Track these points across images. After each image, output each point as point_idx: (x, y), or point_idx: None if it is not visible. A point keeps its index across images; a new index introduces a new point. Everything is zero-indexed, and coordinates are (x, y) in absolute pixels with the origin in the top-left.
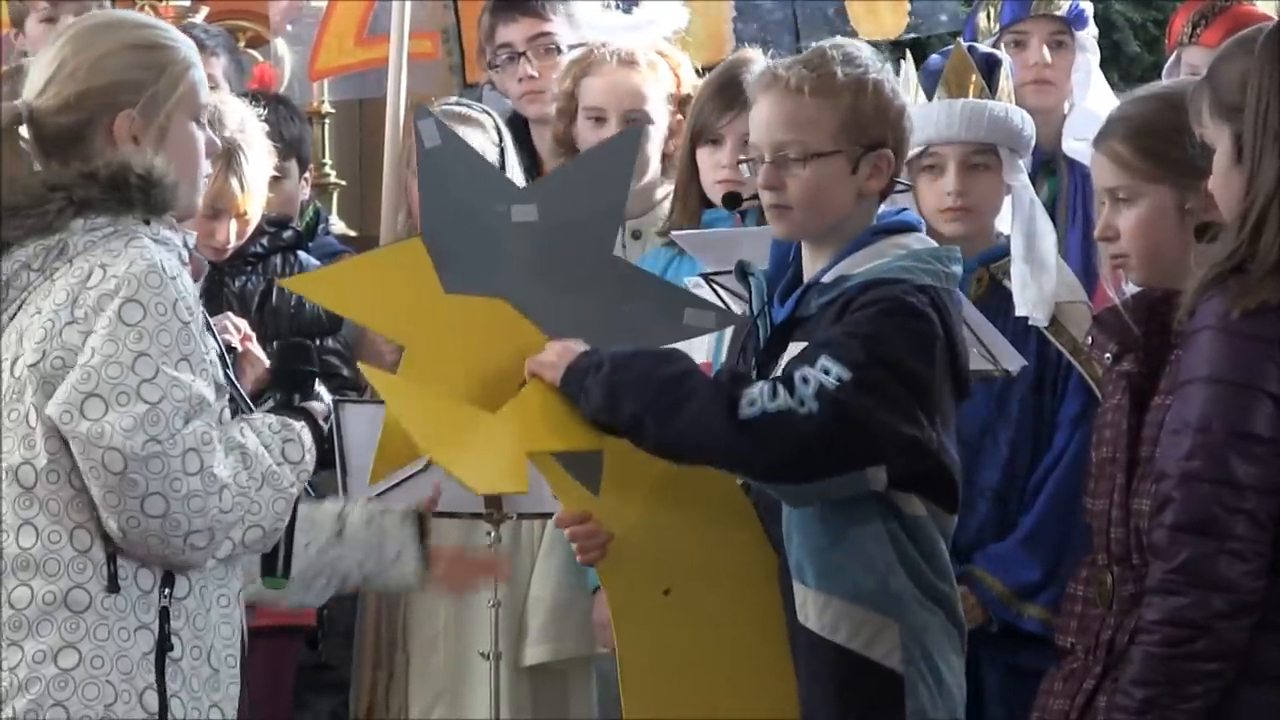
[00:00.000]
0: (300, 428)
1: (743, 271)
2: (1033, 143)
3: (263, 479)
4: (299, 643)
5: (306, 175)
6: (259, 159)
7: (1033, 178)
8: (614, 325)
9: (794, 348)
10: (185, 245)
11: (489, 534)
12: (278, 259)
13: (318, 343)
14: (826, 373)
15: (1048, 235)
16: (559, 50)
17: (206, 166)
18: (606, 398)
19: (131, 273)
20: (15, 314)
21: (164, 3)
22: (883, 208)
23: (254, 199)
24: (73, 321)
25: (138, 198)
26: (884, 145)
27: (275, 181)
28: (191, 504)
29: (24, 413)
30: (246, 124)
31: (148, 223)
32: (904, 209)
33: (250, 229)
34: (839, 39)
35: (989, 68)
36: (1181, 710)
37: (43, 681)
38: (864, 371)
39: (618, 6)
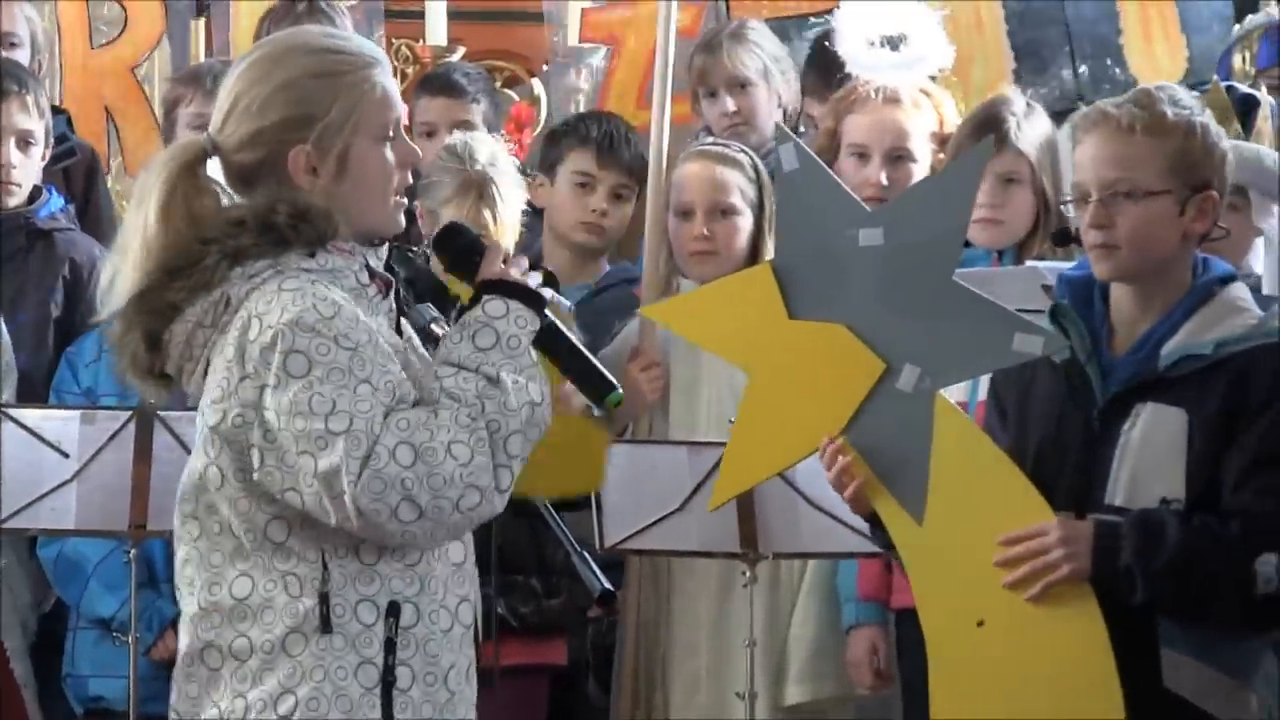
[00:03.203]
0: (478, 308)
1: (1054, 315)
2: None
3: (479, 396)
4: (545, 682)
5: None
6: (510, 192)
7: None
8: (943, 348)
9: (1158, 410)
10: (365, 267)
11: (744, 573)
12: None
13: None
14: None
15: None
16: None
17: (406, 178)
18: (1147, 588)
19: (284, 322)
20: (206, 373)
21: (421, 44)
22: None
23: (507, 231)
24: (246, 376)
25: (291, 234)
26: (1210, 187)
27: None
28: (432, 485)
29: (223, 473)
30: (497, 158)
31: (312, 255)
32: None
33: None
34: (1162, 83)
35: (1246, 108)
36: None
37: None
38: None
39: (883, 44)
